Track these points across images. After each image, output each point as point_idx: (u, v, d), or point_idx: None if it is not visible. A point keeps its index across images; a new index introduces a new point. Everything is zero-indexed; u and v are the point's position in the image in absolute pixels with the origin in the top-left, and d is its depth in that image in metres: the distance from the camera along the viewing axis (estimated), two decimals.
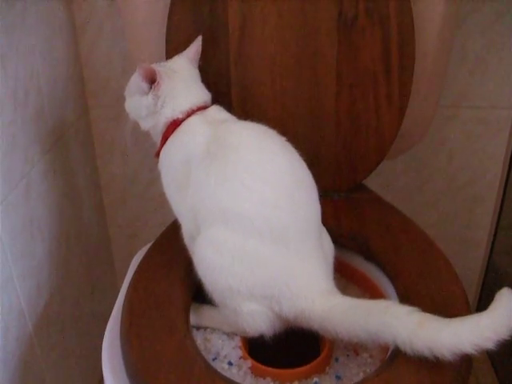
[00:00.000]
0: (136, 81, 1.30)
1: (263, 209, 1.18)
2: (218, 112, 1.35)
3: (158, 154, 1.34)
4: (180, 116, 1.30)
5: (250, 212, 1.17)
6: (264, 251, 1.18)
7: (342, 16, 1.44)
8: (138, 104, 1.32)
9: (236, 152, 1.21)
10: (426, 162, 1.96)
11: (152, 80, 1.28)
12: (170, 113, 1.30)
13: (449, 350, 1.02)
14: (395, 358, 1.09)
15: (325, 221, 1.32)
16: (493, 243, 2.06)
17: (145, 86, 1.29)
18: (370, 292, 1.44)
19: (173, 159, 1.29)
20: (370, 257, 1.44)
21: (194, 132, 1.28)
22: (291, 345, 1.28)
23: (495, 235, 2.04)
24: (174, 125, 1.30)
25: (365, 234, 1.45)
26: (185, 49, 1.39)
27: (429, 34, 1.50)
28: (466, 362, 1.06)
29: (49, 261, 1.61)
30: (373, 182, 1.66)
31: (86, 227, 1.91)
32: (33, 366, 1.52)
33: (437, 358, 1.03)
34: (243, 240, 1.18)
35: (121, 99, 1.36)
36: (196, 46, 1.39)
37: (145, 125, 1.35)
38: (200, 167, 1.23)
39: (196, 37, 1.41)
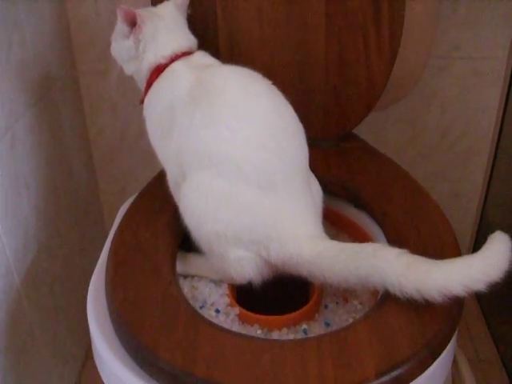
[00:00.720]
0: (118, 24, 1.28)
1: (249, 151, 1.16)
2: (202, 57, 1.33)
3: (142, 101, 1.32)
4: (163, 61, 1.28)
5: (235, 155, 1.15)
6: (250, 195, 1.16)
7: None
8: (120, 47, 1.30)
9: (221, 95, 1.19)
10: (418, 115, 1.94)
11: (133, 23, 1.26)
12: (152, 58, 1.28)
13: (438, 291, 1.01)
14: (384, 301, 1.08)
15: (314, 169, 1.31)
16: (486, 196, 2.05)
17: (125, 28, 1.27)
18: (361, 240, 1.41)
19: (157, 105, 1.27)
20: (360, 204, 1.42)
21: (178, 77, 1.26)
22: (280, 293, 1.28)
23: (488, 188, 2.03)
24: (158, 70, 1.28)
25: (355, 182, 1.43)
26: None
27: None
28: (456, 304, 1.05)
29: (36, 216, 1.59)
30: (364, 135, 1.64)
31: (74, 182, 1.89)
32: (21, 321, 1.51)
33: (426, 301, 1.02)
34: (229, 184, 1.16)
35: (109, 53, 1.34)
36: None
37: (128, 69, 1.33)
38: (184, 112, 1.21)
39: None
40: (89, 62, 1.90)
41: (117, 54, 1.33)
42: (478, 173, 2.04)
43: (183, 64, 1.27)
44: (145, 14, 1.27)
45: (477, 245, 2.09)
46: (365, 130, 1.62)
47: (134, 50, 1.29)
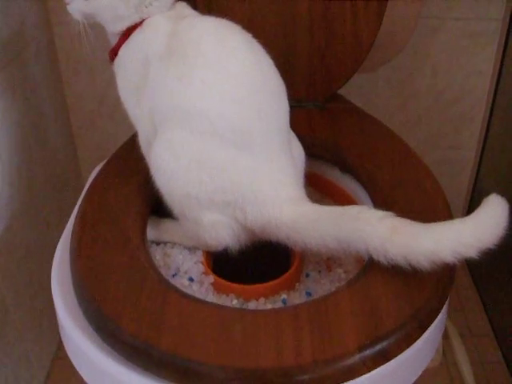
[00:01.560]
0: None
1: (224, 107, 1.09)
2: (182, 8, 1.24)
3: (113, 57, 1.24)
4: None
5: (208, 109, 1.09)
6: (225, 154, 1.10)
7: None
8: (113, 3, 1.17)
9: (196, 46, 1.12)
10: (409, 78, 1.88)
11: None
12: (153, 12, 1.19)
13: (426, 257, 0.95)
14: (369, 269, 1.03)
15: (297, 130, 1.26)
16: (479, 164, 2.00)
17: None
18: (346, 205, 1.36)
19: (132, 58, 1.20)
20: (345, 168, 1.37)
21: (156, 29, 1.18)
22: (259, 262, 1.22)
23: (482, 155, 1.99)
24: (140, 23, 1.20)
25: (340, 144, 1.37)
26: None
27: None
28: (447, 271, 1.00)
29: (8, 185, 1.53)
30: (352, 99, 1.58)
31: (51, 149, 1.83)
32: None
33: (414, 268, 0.97)
34: (202, 142, 1.09)
35: None
36: None
37: (116, 26, 1.21)
38: (158, 64, 1.14)
39: None
40: (65, 23, 1.80)
41: (105, 10, 1.18)
42: (471, 139, 1.99)
43: (161, 17, 1.19)
44: None
45: (470, 212, 2.04)
46: (353, 94, 1.57)
47: (134, 7, 1.17)
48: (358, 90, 1.55)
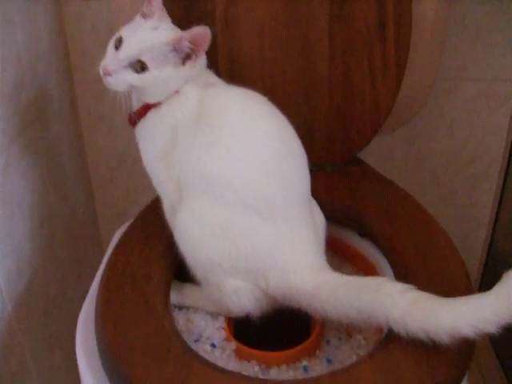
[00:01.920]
0: (171, 47, 1.17)
1: (248, 175, 1.13)
2: (208, 76, 1.28)
3: (134, 122, 1.26)
4: None
5: (233, 178, 1.12)
6: (248, 221, 1.13)
7: None
8: (168, 76, 1.18)
9: (223, 116, 1.16)
10: (426, 138, 1.91)
11: (196, 45, 1.18)
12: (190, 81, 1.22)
13: (446, 332, 0.96)
14: (390, 338, 1.04)
15: (317, 195, 1.28)
16: (495, 222, 2.00)
17: (183, 54, 1.18)
18: (365, 270, 1.39)
19: (162, 123, 1.22)
20: (364, 233, 1.39)
21: (188, 97, 1.21)
22: (280, 328, 1.23)
23: (497, 214, 1.99)
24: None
25: (359, 209, 1.39)
26: (169, 15, 1.29)
27: None
28: (467, 344, 1.00)
29: (30, 240, 1.55)
30: (370, 158, 1.61)
31: (71, 205, 1.85)
32: (14, 349, 1.47)
33: (433, 341, 0.97)
34: (226, 209, 1.13)
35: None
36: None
37: (156, 97, 1.21)
38: (187, 131, 1.18)
39: (183, 5, 1.39)
40: (87, 82, 1.87)
41: (156, 83, 1.19)
42: (487, 198, 2.00)
43: (192, 85, 1.22)
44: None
45: (486, 273, 2.05)
46: (369, 153, 1.59)
47: (184, 79, 1.21)
48: (375, 149, 1.57)
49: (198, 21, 1.34)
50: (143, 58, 1.15)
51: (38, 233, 1.59)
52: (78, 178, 1.93)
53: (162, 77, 1.17)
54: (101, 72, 1.17)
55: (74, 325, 1.73)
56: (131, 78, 1.16)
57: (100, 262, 1.98)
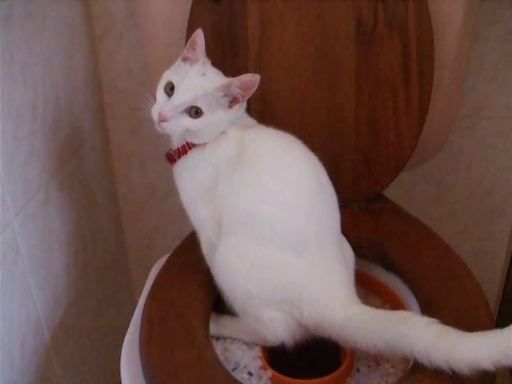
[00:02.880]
0: (222, 92, 1.23)
1: (284, 213, 1.19)
2: (245, 117, 1.34)
3: (172, 159, 1.30)
4: None
5: (271, 216, 1.18)
6: (284, 256, 1.19)
7: (361, 25, 1.44)
8: (221, 119, 1.25)
9: (261, 157, 1.22)
10: (445, 173, 1.95)
11: (245, 90, 1.23)
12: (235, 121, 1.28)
13: (467, 364, 1.01)
14: (417, 368, 1.08)
15: (344, 230, 1.32)
16: None
17: (238, 94, 1.24)
18: (391, 302, 1.43)
19: (206, 161, 1.26)
20: (389, 266, 1.43)
21: (231, 137, 1.27)
22: (312, 356, 1.27)
23: None
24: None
25: (384, 244, 1.44)
26: None
27: (447, 42, 1.50)
28: (488, 376, 1.04)
29: (66, 272, 1.60)
30: (391, 193, 1.65)
31: (103, 238, 1.90)
32: (50, 378, 1.51)
33: (454, 372, 1.02)
34: (263, 245, 1.18)
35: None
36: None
37: (204, 139, 1.27)
38: (228, 170, 1.23)
39: (215, 45, 1.44)
40: (119, 119, 1.92)
41: (209, 126, 1.24)
42: (503, 231, 2.04)
43: (235, 126, 1.28)
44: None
45: (503, 304, 2.07)
46: (391, 188, 1.61)
47: (231, 121, 1.27)
48: (395, 185, 1.61)
49: (232, 64, 1.42)
50: (199, 104, 1.20)
51: (73, 265, 1.65)
52: (110, 212, 1.98)
53: (215, 120, 1.23)
54: (156, 118, 1.20)
55: (106, 353, 1.79)
56: (187, 123, 1.21)
57: (129, 294, 2.04)
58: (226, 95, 1.23)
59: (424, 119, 1.48)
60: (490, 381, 1.07)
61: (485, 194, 1.98)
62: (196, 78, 1.22)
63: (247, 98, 1.24)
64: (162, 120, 1.19)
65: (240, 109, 1.26)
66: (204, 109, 1.21)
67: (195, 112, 1.21)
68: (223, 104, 1.24)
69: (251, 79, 1.21)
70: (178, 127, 1.21)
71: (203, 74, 1.24)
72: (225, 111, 1.24)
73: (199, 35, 1.24)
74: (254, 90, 1.22)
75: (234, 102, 1.24)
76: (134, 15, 1.75)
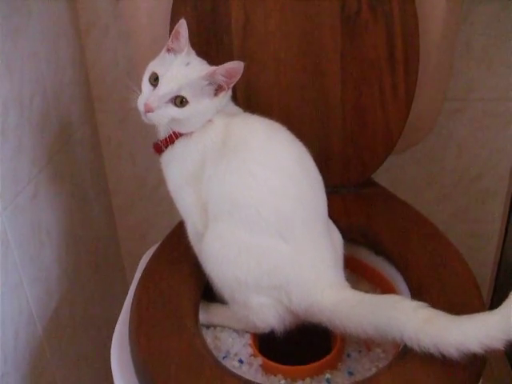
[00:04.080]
0: (207, 81, 1.23)
1: (270, 198, 1.19)
2: (231, 105, 1.34)
3: (160, 149, 1.30)
4: None
5: (256, 201, 1.18)
6: (270, 241, 1.19)
7: (345, 10, 1.43)
8: (207, 108, 1.25)
9: (246, 143, 1.22)
10: (435, 157, 1.95)
11: (230, 78, 1.23)
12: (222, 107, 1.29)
13: (456, 348, 1.01)
14: (407, 352, 1.08)
15: (334, 216, 1.33)
16: (505, 237, 2.03)
17: (223, 83, 1.23)
18: (382, 287, 1.44)
19: (192, 148, 1.26)
20: (380, 251, 1.43)
21: (217, 125, 1.27)
22: (302, 342, 1.27)
23: (507, 229, 2.01)
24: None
25: (375, 229, 1.44)
26: None
27: (433, 24, 1.49)
28: (477, 360, 1.04)
29: (58, 265, 1.61)
30: (381, 178, 1.65)
31: (94, 230, 1.91)
32: (44, 370, 1.52)
33: (443, 356, 1.02)
34: (249, 230, 1.19)
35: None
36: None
37: (191, 128, 1.26)
38: (214, 158, 1.23)
39: (199, 35, 1.44)
40: (107, 111, 1.92)
41: (195, 115, 1.25)
42: (496, 213, 2.03)
43: (221, 114, 1.28)
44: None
45: (496, 287, 2.07)
46: (381, 173, 1.62)
47: (217, 108, 1.27)
48: (385, 169, 1.61)
49: (217, 53, 1.42)
50: (183, 94, 1.21)
51: (64, 258, 1.65)
52: (100, 204, 1.98)
53: (200, 109, 1.23)
54: (141, 109, 1.21)
55: (100, 345, 1.79)
56: (173, 112, 1.21)
57: (122, 285, 2.05)
58: (210, 83, 1.23)
59: (411, 102, 1.48)
60: (480, 364, 1.07)
61: (475, 177, 1.98)
62: (180, 68, 1.23)
63: (232, 85, 1.24)
64: (148, 110, 1.20)
65: (225, 96, 1.27)
66: (189, 98, 1.21)
67: (180, 101, 1.21)
68: (208, 92, 1.24)
69: (235, 67, 1.21)
70: (163, 117, 1.22)
71: (187, 64, 1.24)
72: (210, 99, 1.24)
73: (182, 25, 1.24)
74: (238, 77, 1.22)
75: (219, 89, 1.24)
76: (119, 6, 1.74)
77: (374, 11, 1.41)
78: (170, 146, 1.29)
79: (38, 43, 1.52)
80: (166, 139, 1.28)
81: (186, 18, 1.24)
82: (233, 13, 1.44)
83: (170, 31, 1.34)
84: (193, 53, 1.29)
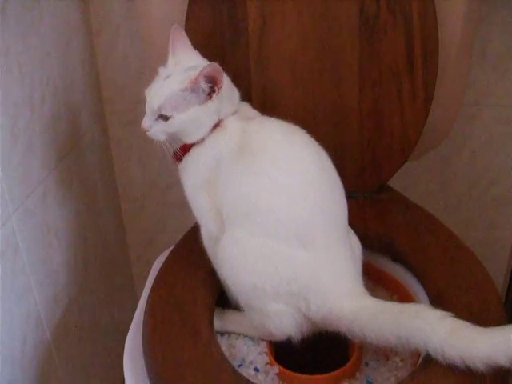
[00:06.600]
0: (189, 90, 1.19)
1: (289, 204, 1.17)
2: (246, 109, 1.32)
3: (182, 153, 1.28)
4: (225, 115, 1.25)
5: (275, 206, 1.16)
6: (289, 247, 1.17)
7: (364, 13, 1.41)
8: (196, 115, 1.21)
9: (265, 147, 1.20)
10: (449, 163, 1.93)
11: (214, 81, 1.20)
12: (227, 112, 1.25)
13: (482, 361, 0.99)
14: (429, 362, 1.06)
15: (350, 222, 1.30)
16: None
17: (206, 90, 1.20)
18: (398, 294, 1.42)
19: (207, 154, 1.24)
20: (397, 258, 1.41)
21: (232, 128, 1.24)
22: (319, 351, 1.26)
23: None
24: (217, 124, 1.25)
25: (391, 235, 1.42)
26: (204, 49, 1.33)
27: (451, 31, 1.47)
28: (503, 373, 1.01)
29: (66, 268, 1.59)
30: (395, 184, 1.63)
31: (103, 234, 1.89)
32: (51, 375, 1.50)
33: (469, 368, 1.00)
34: (267, 236, 1.16)
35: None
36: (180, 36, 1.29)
37: (196, 136, 1.24)
38: (230, 161, 1.21)
39: (215, 37, 1.43)
40: (118, 113, 1.91)
41: (187, 124, 1.22)
42: (509, 220, 2.01)
43: (235, 118, 1.26)
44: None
45: (510, 293, 2.05)
46: (393, 179, 1.60)
47: (215, 112, 1.23)
48: (398, 175, 1.59)
49: (233, 55, 1.40)
50: (163, 112, 1.20)
51: (73, 261, 1.63)
52: (110, 207, 1.97)
53: (190, 117, 1.21)
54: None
55: (108, 349, 1.78)
56: (163, 127, 1.21)
57: (130, 289, 2.03)
58: (195, 91, 1.20)
59: (429, 108, 1.46)
60: (505, 377, 1.05)
61: (489, 184, 1.96)
62: (159, 84, 1.23)
63: (221, 86, 1.20)
64: (145, 130, 1.23)
65: (222, 97, 1.22)
66: (171, 113, 1.20)
67: (165, 117, 1.20)
68: (197, 99, 1.20)
69: (212, 69, 1.18)
70: (159, 133, 1.23)
71: (167, 77, 1.23)
72: (202, 105, 1.21)
73: (172, 32, 1.26)
74: (221, 78, 1.19)
75: (211, 92, 1.21)
76: (131, 8, 1.73)
77: (393, 13, 1.40)
78: (186, 155, 1.27)
79: (49, 44, 1.51)
80: (182, 147, 1.27)
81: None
82: (250, 15, 1.42)
83: (185, 32, 1.33)
84: (187, 57, 1.28)
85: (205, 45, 1.36)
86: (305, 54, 1.45)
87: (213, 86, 1.20)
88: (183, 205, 1.31)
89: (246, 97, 1.38)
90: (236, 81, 1.32)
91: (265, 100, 1.49)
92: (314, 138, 1.26)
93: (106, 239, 1.92)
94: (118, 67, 1.84)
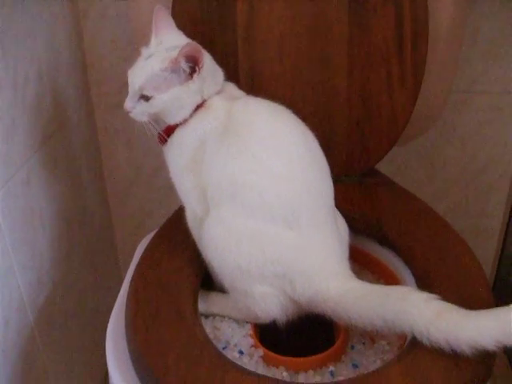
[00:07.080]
0: (170, 70, 1.18)
1: (274, 183, 1.15)
2: (232, 89, 1.31)
3: (164, 139, 1.27)
4: (208, 96, 1.24)
5: (260, 186, 1.15)
6: (274, 228, 1.15)
7: None
8: (177, 95, 1.20)
9: (250, 127, 1.19)
10: (438, 150, 1.92)
11: (194, 61, 1.19)
12: (210, 92, 1.24)
13: (468, 344, 0.98)
14: (415, 345, 1.05)
15: (337, 205, 1.29)
16: (506, 232, 2.01)
17: (187, 70, 1.19)
18: (385, 278, 1.41)
19: (192, 134, 1.23)
20: (384, 241, 1.40)
21: (216, 108, 1.23)
22: (305, 334, 1.25)
23: (508, 223, 1.99)
24: (199, 106, 1.24)
25: (378, 218, 1.41)
26: (192, 30, 1.33)
27: (442, 14, 1.46)
28: (488, 356, 1.01)
29: (50, 251, 1.57)
30: (384, 170, 1.63)
31: (89, 217, 1.87)
32: (35, 360, 1.48)
33: (454, 351, 0.99)
34: (252, 216, 1.15)
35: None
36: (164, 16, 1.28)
37: (179, 117, 1.23)
38: (215, 141, 1.20)
39: (203, 23, 1.41)
40: (104, 95, 1.89)
41: (168, 105, 1.21)
42: (498, 207, 2.01)
43: (219, 98, 1.25)
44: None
45: (497, 281, 2.05)
46: (382, 165, 1.60)
47: (198, 92, 1.22)
48: (387, 161, 1.58)
49: (222, 40, 1.39)
50: (144, 92, 1.19)
51: (57, 244, 1.61)
52: (95, 190, 1.95)
53: (171, 97, 1.20)
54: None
55: (93, 334, 1.76)
56: (145, 108, 1.20)
57: (116, 273, 2.02)
58: (176, 71, 1.19)
59: (418, 92, 1.45)
60: (491, 360, 1.04)
61: (479, 171, 1.96)
62: (140, 65, 1.22)
63: (202, 65, 1.19)
64: (127, 111, 1.22)
65: (205, 76, 1.22)
66: (153, 93, 1.19)
67: (146, 97, 1.19)
68: (177, 79, 1.19)
69: (191, 49, 1.17)
70: (141, 114, 1.22)
71: (148, 57, 1.22)
72: (183, 85, 1.20)
73: (155, 12, 1.25)
74: (202, 57, 1.18)
75: (193, 71, 1.20)
76: None
77: None
78: (170, 137, 1.26)
79: (34, 23, 1.48)
80: (166, 129, 1.26)
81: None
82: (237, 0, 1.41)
83: (172, 12, 1.32)
84: (169, 37, 1.27)
85: (192, 26, 1.35)
86: (293, 33, 1.44)
87: (193, 65, 1.19)
88: (170, 188, 1.29)
89: (233, 77, 1.37)
90: (224, 61, 1.30)
91: (252, 80, 1.47)
92: (302, 119, 1.25)
93: (92, 222, 1.90)
94: (104, 49, 1.82)
